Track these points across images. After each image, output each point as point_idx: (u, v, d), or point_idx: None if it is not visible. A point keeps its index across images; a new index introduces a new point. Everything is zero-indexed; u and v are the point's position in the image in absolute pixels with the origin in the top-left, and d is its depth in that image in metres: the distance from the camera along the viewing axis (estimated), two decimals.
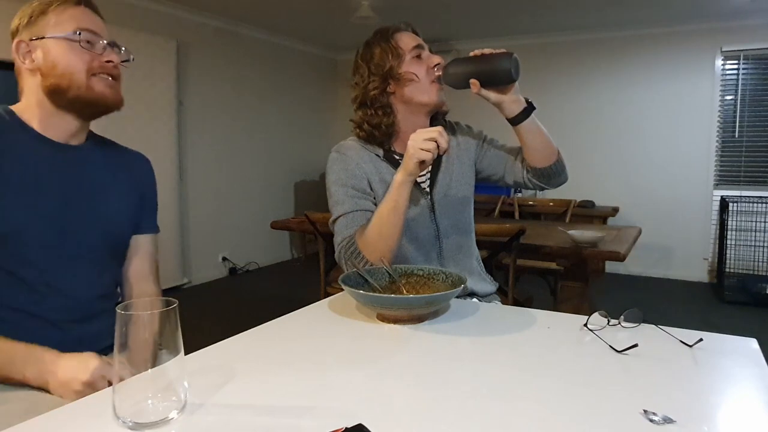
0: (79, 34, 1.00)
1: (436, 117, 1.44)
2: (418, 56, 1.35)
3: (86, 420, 0.65)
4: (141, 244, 1.19)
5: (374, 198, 1.37)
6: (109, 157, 1.14)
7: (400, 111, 1.37)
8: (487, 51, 1.24)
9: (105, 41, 1.04)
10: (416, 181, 1.36)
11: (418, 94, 1.34)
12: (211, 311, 3.91)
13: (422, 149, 1.15)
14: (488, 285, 1.49)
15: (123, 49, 1.09)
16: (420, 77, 1.33)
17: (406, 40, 1.36)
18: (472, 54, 1.26)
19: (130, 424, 0.62)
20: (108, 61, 1.03)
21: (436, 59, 1.35)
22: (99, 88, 1.02)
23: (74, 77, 0.99)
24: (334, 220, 1.36)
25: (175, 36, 4.30)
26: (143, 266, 1.19)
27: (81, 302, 1.03)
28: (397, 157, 1.38)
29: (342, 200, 1.34)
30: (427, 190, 1.40)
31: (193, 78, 4.54)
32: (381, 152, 1.39)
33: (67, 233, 1.02)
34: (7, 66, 1.27)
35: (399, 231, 1.24)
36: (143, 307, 0.63)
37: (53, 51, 0.99)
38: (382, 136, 1.37)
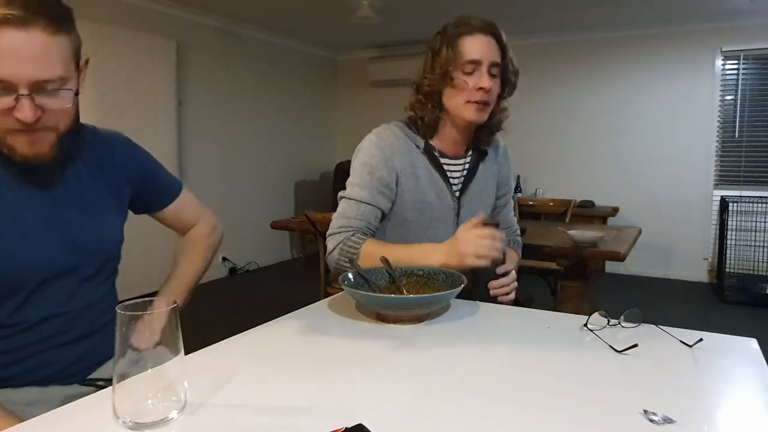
0: None
1: (480, 133, 1.41)
2: (471, 72, 1.28)
3: (86, 420, 0.65)
4: (169, 213, 1.18)
5: (396, 195, 1.35)
6: (84, 163, 1.00)
7: (447, 112, 1.35)
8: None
9: (22, 91, 0.79)
10: (449, 180, 1.38)
11: (456, 106, 1.31)
12: (211, 311, 3.91)
13: (478, 257, 1.14)
14: None
15: (60, 88, 0.83)
16: (463, 93, 1.29)
17: (470, 48, 1.27)
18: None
19: (130, 424, 0.62)
20: (19, 119, 0.81)
21: (485, 82, 1.27)
22: (19, 148, 0.84)
23: None
24: (345, 198, 1.34)
25: (175, 36, 4.30)
26: (185, 223, 1.23)
27: (81, 322, 0.98)
28: (436, 153, 1.37)
29: (363, 186, 1.32)
30: (457, 193, 1.40)
31: (193, 78, 4.54)
32: (422, 144, 1.37)
33: (58, 262, 0.93)
34: None
35: None
36: (143, 308, 0.63)
37: None
38: (424, 128, 1.36)
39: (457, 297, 1.10)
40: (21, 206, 0.90)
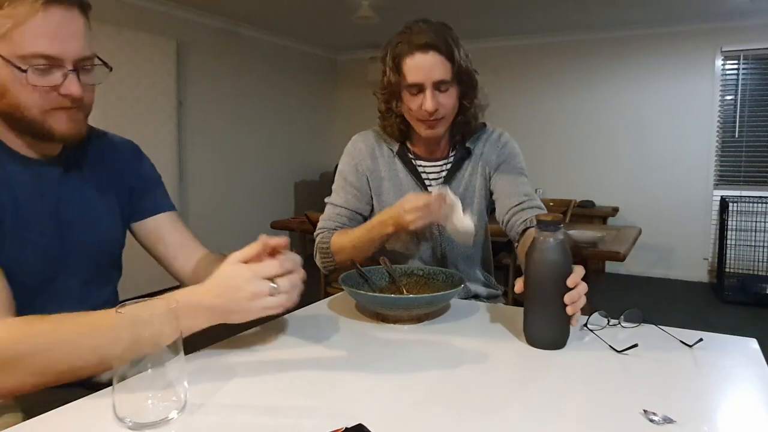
0: (25, 71, 0.80)
1: (455, 131, 1.37)
2: (416, 93, 1.24)
3: (86, 420, 0.65)
4: (160, 224, 1.12)
5: (370, 195, 1.40)
6: (90, 165, 1.01)
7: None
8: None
9: (68, 67, 0.83)
10: (424, 184, 1.38)
11: (411, 121, 1.32)
12: None
13: (410, 220, 1.14)
14: (493, 290, 1.48)
15: (93, 65, 0.89)
16: (412, 112, 1.27)
17: (411, 72, 1.23)
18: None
19: (130, 424, 0.62)
20: (66, 95, 0.84)
21: (428, 105, 1.22)
22: (58, 127, 0.86)
23: (26, 112, 0.84)
24: (327, 202, 1.44)
25: (175, 36, 4.30)
26: (176, 241, 1.12)
27: None
28: (411, 156, 1.39)
29: (338, 190, 1.42)
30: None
31: (193, 78, 4.54)
32: (396, 147, 1.39)
33: (60, 263, 0.93)
34: None
35: (370, 254, 1.30)
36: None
37: (1, 72, 0.81)
38: (391, 135, 1.39)
39: (544, 329, 0.93)
40: (25, 207, 0.90)
